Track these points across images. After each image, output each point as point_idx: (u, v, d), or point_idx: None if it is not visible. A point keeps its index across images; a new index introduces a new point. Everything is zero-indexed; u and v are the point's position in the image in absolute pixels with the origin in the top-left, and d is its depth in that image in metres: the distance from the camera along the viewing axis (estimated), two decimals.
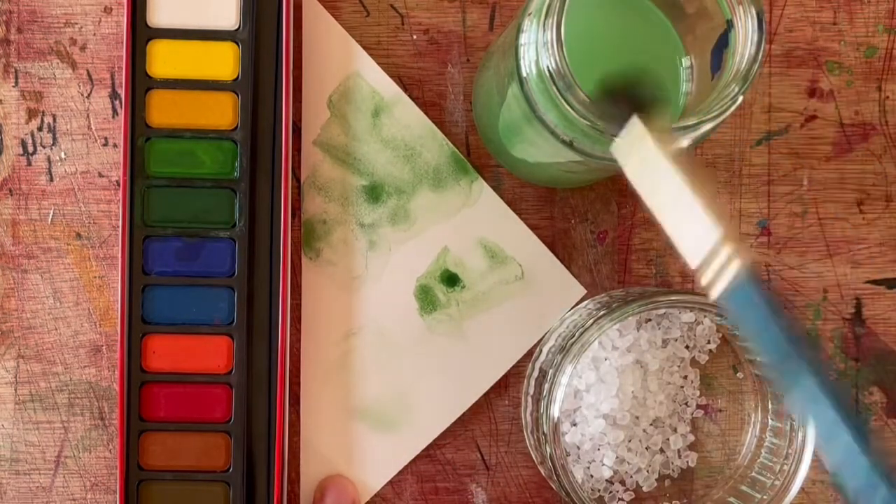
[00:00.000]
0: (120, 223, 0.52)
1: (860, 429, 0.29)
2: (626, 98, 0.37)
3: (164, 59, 0.53)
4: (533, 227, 0.56)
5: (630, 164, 0.36)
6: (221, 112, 0.53)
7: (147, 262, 0.53)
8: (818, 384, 0.30)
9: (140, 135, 0.53)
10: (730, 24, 0.43)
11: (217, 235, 0.53)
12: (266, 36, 0.53)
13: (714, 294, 0.33)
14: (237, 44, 0.53)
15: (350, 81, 0.56)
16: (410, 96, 0.56)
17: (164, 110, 0.53)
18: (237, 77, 0.53)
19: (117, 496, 0.52)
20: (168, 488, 0.53)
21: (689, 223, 0.32)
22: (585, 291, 0.56)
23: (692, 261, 0.33)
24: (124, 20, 0.52)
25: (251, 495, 0.53)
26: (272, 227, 0.53)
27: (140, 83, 0.53)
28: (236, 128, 0.53)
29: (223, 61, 0.53)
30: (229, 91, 0.53)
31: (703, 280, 0.33)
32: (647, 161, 0.34)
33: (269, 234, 0.53)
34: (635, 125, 0.36)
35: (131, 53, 0.53)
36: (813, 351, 0.30)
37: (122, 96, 0.55)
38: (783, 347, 0.31)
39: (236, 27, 0.53)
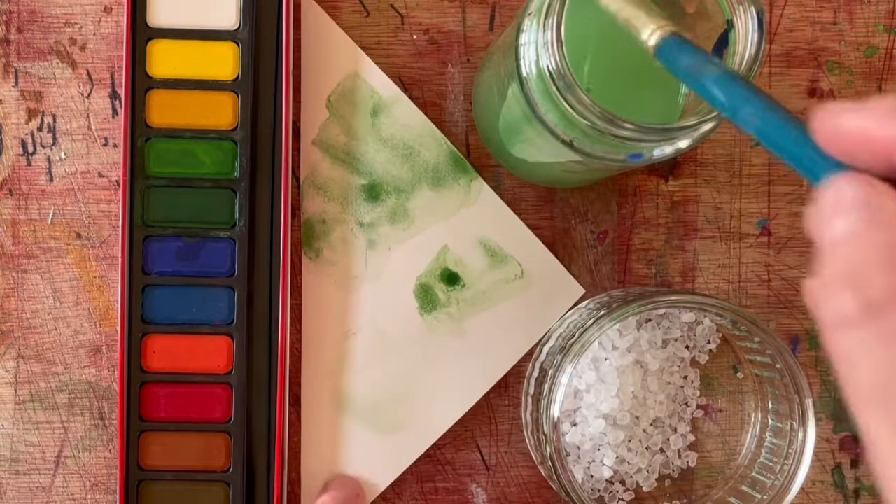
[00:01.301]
0: (120, 223, 0.53)
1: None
2: None
3: (164, 59, 0.53)
4: (533, 227, 0.56)
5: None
6: (221, 112, 0.53)
7: (147, 262, 0.53)
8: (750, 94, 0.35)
9: (140, 135, 0.53)
10: (730, 24, 0.44)
11: (217, 235, 0.53)
12: (266, 36, 0.53)
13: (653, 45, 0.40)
14: (237, 44, 0.53)
15: (349, 81, 0.56)
16: (410, 96, 0.56)
17: (164, 110, 0.53)
18: (237, 77, 0.53)
19: (117, 496, 0.52)
20: (168, 488, 0.53)
21: (636, 20, 0.41)
22: (584, 291, 0.56)
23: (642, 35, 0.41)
24: (124, 20, 0.52)
25: (251, 495, 0.53)
26: (272, 227, 0.53)
27: (140, 83, 0.53)
28: (236, 128, 0.53)
29: (223, 61, 0.53)
30: (229, 91, 0.53)
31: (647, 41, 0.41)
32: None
33: (270, 234, 0.53)
34: None
35: (131, 53, 0.53)
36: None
37: (122, 96, 0.55)
38: (719, 74, 0.36)
39: (236, 27, 0.53)
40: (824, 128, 0.31)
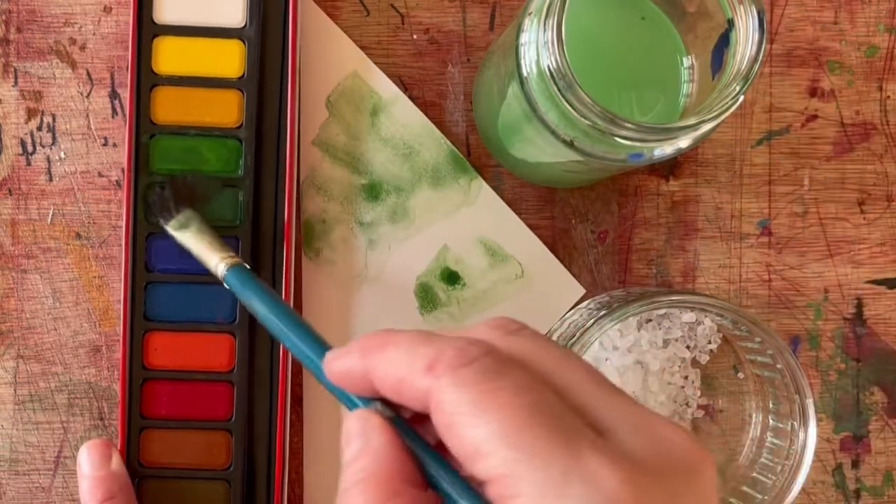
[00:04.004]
0: (123, 220, 0.53)
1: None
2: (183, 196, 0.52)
3: (170, 56, 0.54)
4: (533, 227, 0.57)
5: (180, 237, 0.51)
6: (226, 110, 0.53)
7: (150, 259, 0.53)
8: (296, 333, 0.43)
9: (144, 131, 0.53)
10: (731, 24, 0.44)
11: (220, 233, 0.53)
12: (272, 34, 0.54)
13: (224, 280, 0.49)
14: (243, 41, 0.54)
15: (348, 81, 0.57)
16: (410, 96, 0.57)
17: (169, 107, 0.53)
18: (243, 75, 0.54)
19: None
20: (168, 486, 0.53)
21: (205, 256, 0.50)
22: (584, 291, 0.57)
23: (211, 268, 0.49)
24: (130, 16, 0.53)
25: (251, 494, 0.54)
26: (276, 226, 0.53)
27: (145, 80, 0.53)
28: (241, 126, 0.54)
29: (229, 59, 0.54)
30: (235, 89, 0.54)
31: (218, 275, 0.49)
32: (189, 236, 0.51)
33: (273, 232, 0.53)
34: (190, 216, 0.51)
35: (137, 50, 0.53)
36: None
37: (122, 96, 0.56)
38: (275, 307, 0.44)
39: (243, 25, 0.54)
40: (329, 374, 0.38)
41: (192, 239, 0.50)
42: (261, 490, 0.54)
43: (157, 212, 0.52)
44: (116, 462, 0.52)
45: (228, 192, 0.54)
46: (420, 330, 0.36)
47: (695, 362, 0.57)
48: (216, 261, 0.49)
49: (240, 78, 0.54)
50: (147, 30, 0.54)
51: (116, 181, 0.56)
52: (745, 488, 0.55)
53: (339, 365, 0.37)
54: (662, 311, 0.56)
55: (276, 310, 0.44)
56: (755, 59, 0.43)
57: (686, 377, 0.57)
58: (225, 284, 0.48)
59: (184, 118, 0.54)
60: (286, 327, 0.43)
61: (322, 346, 0.41)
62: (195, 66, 0.54)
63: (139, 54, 0.53)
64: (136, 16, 0.53)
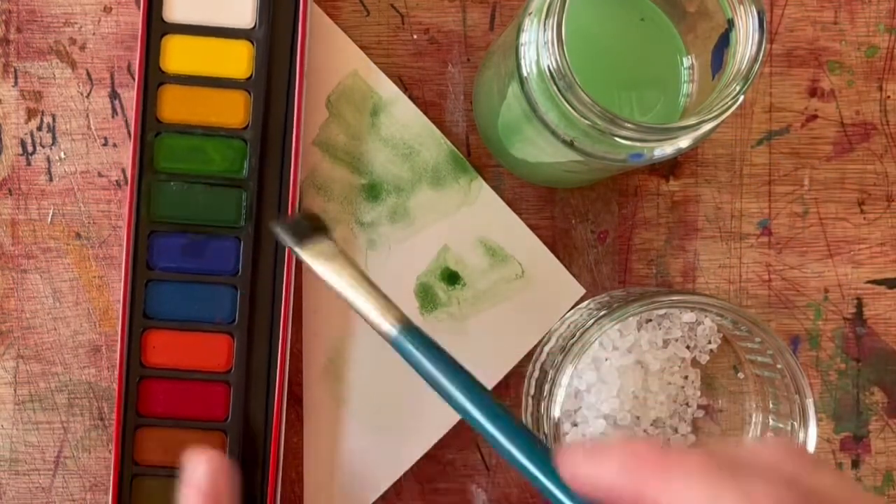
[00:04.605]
0: (125, 217, 0.53)
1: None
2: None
3: (178, 55, 0.54)
4: (533, 227, 0.57)
5: (320, 269, 0.48)
6: (233, 110, 0.54)
7: (151, 257, 0.54)
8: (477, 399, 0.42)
9: (150, 129, 0.54)
10: (731, 24, 0.45)
11: (222, 234, 0.54)
12: (281, 36, 0.54)
13: (391, 340, 0.45)
14: (252, 42, 0.54)
15: (348, 81, 0.57)
16: (410, 96, 0.57)
17: (176, 106, 0.54)
18: (251, 76, 0.54)
19: (110, 490, 0.53)
20: (162, 484, 0.53)
21: (367, 306, 0.46)
22: (584, 291, 0.57)
23: (377, 326, 0.46)
24: (140, 14, 0.53)
25: (247, 495, 0.54)
26: None
27: (153, 78, 0.54)
28: (247, 127, 0.54)
29: (237, 59, 0.54)
30: (242, 90, 0.54)
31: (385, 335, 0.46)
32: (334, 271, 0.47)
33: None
34: (327, 244, 0.48)
35: (145, 47, 0.53)
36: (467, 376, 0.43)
37: (122, 96, 0.56)
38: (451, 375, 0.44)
39: (252, 26, 0.54)
40: (564, 470, 0.37)
41: (348, 287, 0.47)
42: (256, 490, 0.54)
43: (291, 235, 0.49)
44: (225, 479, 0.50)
45: (231, 192, 0.54)
46: (702, 450, 0.34)
47: (695, 362, 0.57)
48: (387, 325, 0.45)
49: (247, 79, 0.54)
50: (156, 27, 0.54)
51: (116, 181, 0.56)
52: None
53: (589, 471, 0.36)
54: (662, 312, 0.56)
55: (480, 401, 0.42)
56: (755, 59, 0.43)
57: (686, 377, 0.57)
58: (393, 347, 0.45)
59: (190, 117, 0.54)
60: (488, 420, 0.42)
61: (530, 441, 0.39)
62: (203, 66, 0.54)
63: (148, 52, 0.54)
64: (145, 13, 0.54)
